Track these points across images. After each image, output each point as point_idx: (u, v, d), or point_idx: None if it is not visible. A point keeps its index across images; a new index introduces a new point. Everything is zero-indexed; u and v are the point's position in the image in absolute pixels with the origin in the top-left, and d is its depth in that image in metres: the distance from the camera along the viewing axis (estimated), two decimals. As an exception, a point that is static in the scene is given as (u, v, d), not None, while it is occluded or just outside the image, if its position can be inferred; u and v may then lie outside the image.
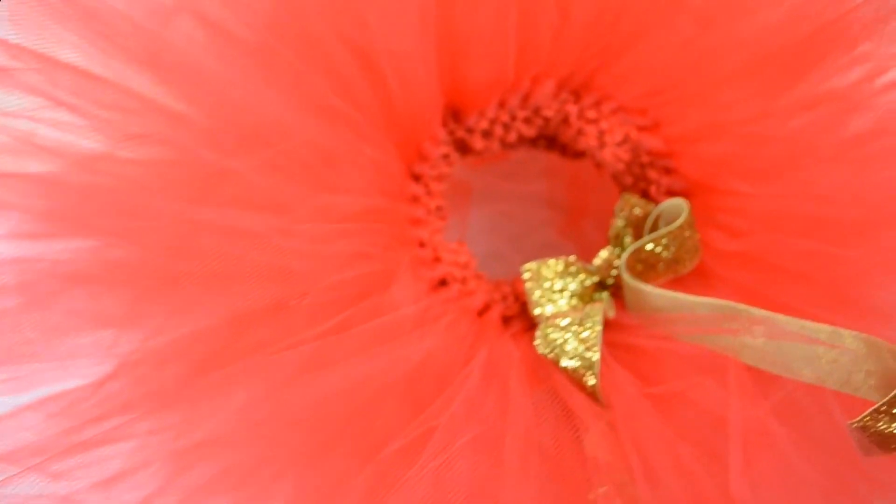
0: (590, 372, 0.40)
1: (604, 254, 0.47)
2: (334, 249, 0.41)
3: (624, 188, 0.51)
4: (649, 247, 0.44)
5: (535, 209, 0.62)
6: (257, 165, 0.41)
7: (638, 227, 0.47)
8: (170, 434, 0.38)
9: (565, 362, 0.40)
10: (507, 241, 0.62)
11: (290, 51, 0.43)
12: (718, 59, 0.46)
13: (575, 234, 0.61)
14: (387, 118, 0.46)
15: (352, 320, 0.41)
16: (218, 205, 0.39)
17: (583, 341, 0.40)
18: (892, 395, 0.37)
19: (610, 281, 0.46)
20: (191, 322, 0.40)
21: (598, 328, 0.40)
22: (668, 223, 0.46)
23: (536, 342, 0.41)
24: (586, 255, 0.55)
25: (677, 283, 0.46)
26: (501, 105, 0.50)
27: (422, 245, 0.48)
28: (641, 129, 0.49)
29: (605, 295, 0.45)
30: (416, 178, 0.49)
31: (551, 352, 0.41)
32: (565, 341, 0.40)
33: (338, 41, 0.43)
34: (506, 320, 0.47)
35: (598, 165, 0.51)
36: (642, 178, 0.50)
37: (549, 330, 0.41)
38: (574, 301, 0.45)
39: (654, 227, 0.47)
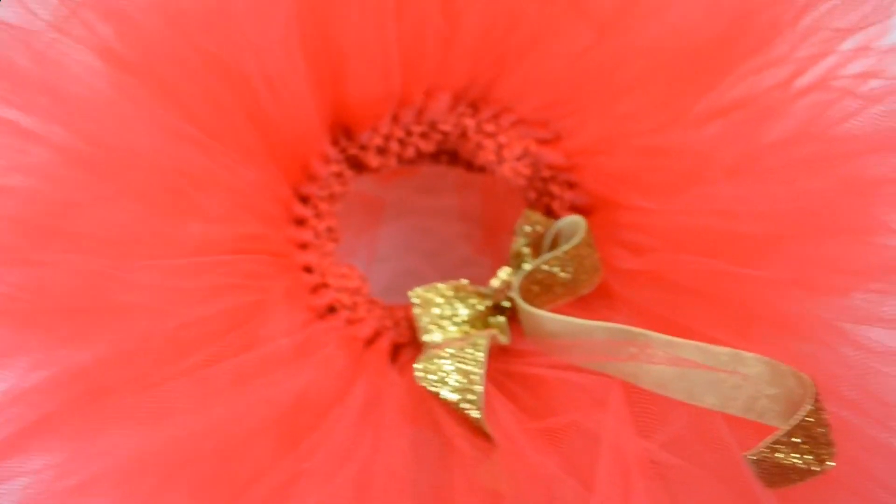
0: (472, 405, 0.37)
1: (502, 274, 0.45)
2: (196, 283, 0.38)
3: (529, 204, 0.49)
4: (546, 267, 0.41)
5: (451, 224, 0.60)
6: (116, 195, 0.38)
7: (538, 246, 0.44)
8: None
9: (446, 394, 0.38)
10: (423, 258, 0.59)
11: (160, 70, 0.40)
12: (618, 67, 0.44)
13: (493, 250, 0.58)
14: (266, 139, 0.43)
15: (220, 355, 0.38)
16: (66, 242, 0.37)
17: (465, 373, 0.37)
18: (789, 424, 0.35)
19: (508, 304, 0.44)
20: (59, 360, 0.38)
21: (482, 357, 0.38)
22: (568, 241, 0.43)
23: (417, 373, 0.38)
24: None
25: (578, 305, 0.43)
26: (395, 120, 0.47)
27: (309, 270, 0.45)
28: (542, 142, 0.47)
29: (500, 320, 0.43)
30: (304, 199, 0.46)
31: (432, 383, 0.38)
32: (447, 373, 0.38)
33: (209, 60, 0.41)
34: (397, 349, 0.44)
35: (509, 188, 0.48)
36: (545, 193, 0.47)
37: (431, 358, 0.39)
38: (466, 328, 0.42)
39: (554, 246, 0.44)
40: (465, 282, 0.43)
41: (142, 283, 0.37)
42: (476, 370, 0.37)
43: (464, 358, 0.38)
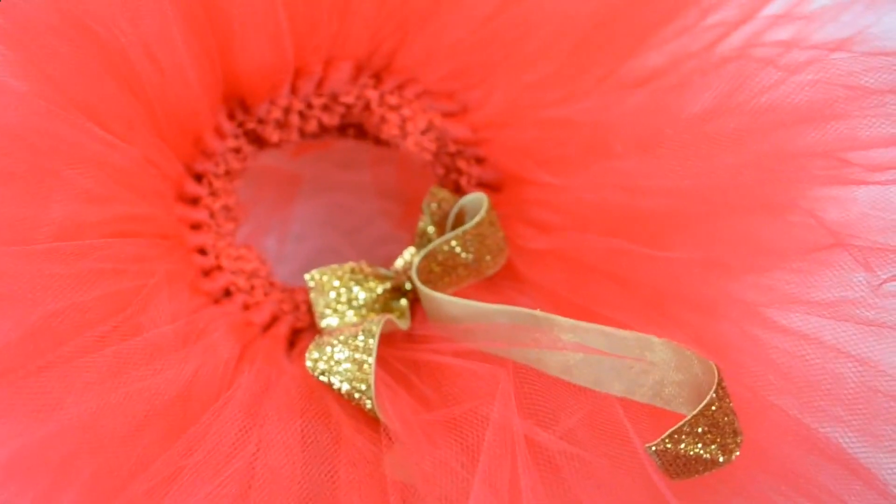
0: (364, 395, 0.35)
1: (407, 255, 0.42)
2: (67, 269, 0.36)
3: (437, 180, 0.46)
4: (446, 247, 0.39)
5: (369, 200, 0.57)
6: None
7: (441, 224, 0.42)
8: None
9: (337, 383, 0.36)
10: (342, 235, 0.57)
11: (26, 40, 0.38)
12: (524, 34, 0.42)
13: (412, 226, 0.56)
14: (151, 113, 0.40)
15: (96, 344, 0.35)
16: None
17: (357, 362, 0.35)
18: (693, 413, 0.33)
19: (407, 285, 0.42)
20: None
21: (373, 345, 0.36)
22: (472, 217, 0.41)
23: (308, 363, 0.36)
24: (420, 247, 0.51)
25: (484, 287, 0.41)
26: (294, 92, 0.45)
27: (203, 252, 0.42)
28: (447, 115, 0.44)
29: (402, 304, 0.41)
30: (199, 177, 0.44)
31: (323, 372, 0.36)
32: (338, 362, 0.36)
33: (80, 29, 0.38)
34: (296, 333, 0.42)
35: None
36: (453, 168, 0.45)
37: (323, 346, 0.37)
38: (364, 311, 0.40)
39: (458, 225, 0.42)
40: (362, 263, 0.41)
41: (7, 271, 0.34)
42: (367, 358, 0.35)
43: (356, 346, 0.36)
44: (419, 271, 0.39)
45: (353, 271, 0.40)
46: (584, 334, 0.36)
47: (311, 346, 0.37)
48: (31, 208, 0.36)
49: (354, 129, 0.48)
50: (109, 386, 0.34)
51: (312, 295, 0.40)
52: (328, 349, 0.36)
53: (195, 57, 0.40)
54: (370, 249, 0.57)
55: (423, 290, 0.38)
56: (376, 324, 0.37)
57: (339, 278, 0.40)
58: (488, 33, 0.42)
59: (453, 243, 0.39)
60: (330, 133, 0.47)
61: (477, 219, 0.39)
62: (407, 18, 0.43)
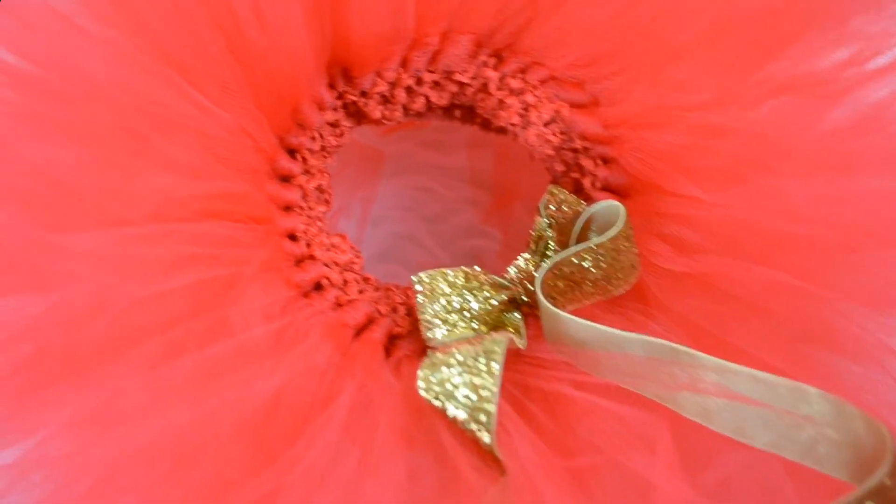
0: (483, 427, 0.31)
1: (521, 261, 0.38)
2: (154, 252, 0.31)
3: (554, 177, 0.42)
4: (575, 260, 0.35)
5: (457, 186, 0.53)
6: (57, 131, 0.31)
7: (565, 231, 0.38)
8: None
9: (453, 411, 0.31)
10: (423, 222, 0.53)
11: None
12: (676, 24, 0.37)
13: (503, 220, 0.51)
14: (250, 76, 0.36)
15: (181, 345, 0.31)
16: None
17: (475, 387, 0.31)
18: (867, 484, 0.29)
19: (523, 297, 0.37)
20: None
21: (497, 370, 0.31)
22: (602, 229, 0.37)
23: (419, 381, 0.32)
24: (516, 246, 0.46)
25: (607, 307, 0.37)
26: (404, 65, 0.40)
27: (293, 238, 0.38)
28: (576, 106, 0.39)
29: (516, 318, 0.36)
30: (292, 151, 0.39)
31: (437, 396, 0.31)
32: (455, 386, 0.31)
33: None
34: (392, 340, 0.37)
35: (531, 155, 0.41)
36: (575, 166, 0.40)
37: (437, 366, 0.32)
38: (476, 324, 0.35)
39: (584, 233, 0.37)
40: (476, 269, 0.36)
41: (82, 250, 0.29)
42: (489, 384, 0.31)
43: (475, 368, 0.31)
44: (542, 285, 0.35)
45: (467, 278, 0.35)
46: (730, 377, 0.31)
47: (423, 365, 0.32)
48: (119, 179, 0.31)
49: (462, 110, 0.43)
50: (198, 395, 0.29)
51: (420, 300, 0.35)
52: (444, 370, 0.32)
53: (306, 16, 0.35)
54: (452, 241, 0.52)
55: (548, 307, 0.34)
56: (498, 344, 0.32)
57: (451, 285, 0.35)
58: (634, 18, 0.37)
59: (584, 256, 0.35)
60: (434, 113, 0.42)
61: (613, 231, 0.35)
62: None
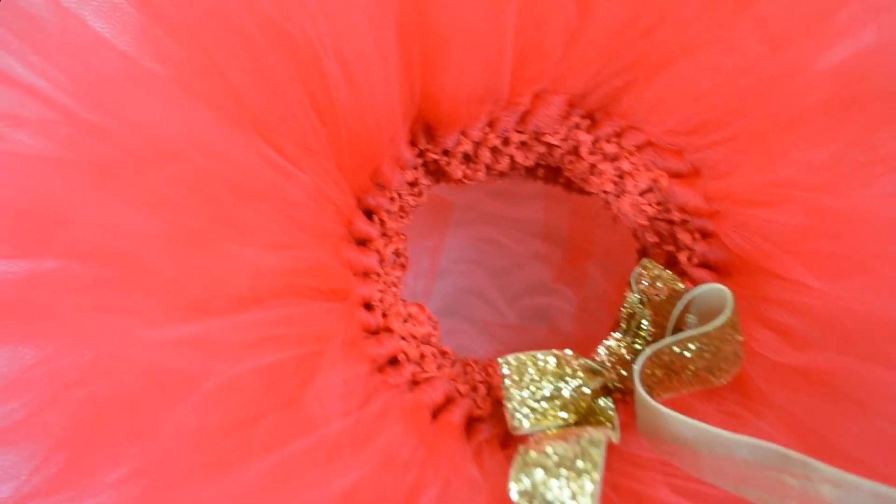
0: (581, 539, 0.28)
1: (612, 342, 0.35)
2: (239, 338, 0.29)
3: (644, 248, 0.39)
4: (677, 349, 0.32)
5: (527, 239, 0.50)
6: (133, 196, 0.29)
7: (659, 310, 0.35)
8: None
9: (550, 523, 0.28)
10: (489, 277, 0.50)
11: (204, 35, 0.31)
12: (789, 94, 0.34)
13: (575, 279, 0.48)
14: (333, 136, 0.33)
15: (257, 443, 0.29)
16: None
17: (574, 494, 0.28)
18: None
19: (616, 383, 0.34)
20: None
21: (598, 475, 0.28)
22: (702, 312, 0.34)
23: (511, 484, 0.29)
24: (590, 308, 0.44)
25: (707, 396, 0.34)
26: (491, 125, 0.37)
27: (368, 308, 0.35)
28: (675, 175, 0.37)
29: (608, 407, 0.33)
30: (370, 212, 0.37)
31: (531, 501, 0.29)
32: (550, 489, 0.28)
33: (269, 28, 0.31)
34: (472, 422, 0.35)
35: (615, 218, 0.39)
36: (670, 239, 0.38)
37: (530, 467, 0.29)
38: (566, 414, 0.32)
39: (682, 316, 0.34)
40: (569, 352, 0.33)
41: (159, 341, 0.27)
42: (591, 491, 0.28)
43: (573, 472, 0.29)
44: (641, 374, 0.32)
45: (559, 363, 0.33)
46: (849, 490, 0.28)
47: (514, 465, 0.29)
48: (198, 254, 0.29)
49: (546, 170, 0.41)
50: (274, 498, 0.27)
51: (507, 384, 0.32)
52: (537, 473, 0.29)
53: (396, 74, 0.33)
54: (519, 297, 0.50)
55: (648, 401, 0.31)
56: (597, 444, 0.29)
57: (541, 371, 0.33)
58: (742, 86, 0.34)
59: (685, 344, 0.32)
60: (517, 172, 0.40)
61: (721, 320, 0.32)
62: (647, 54, 0.35)
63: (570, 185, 0.41)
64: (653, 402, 0.31)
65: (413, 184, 0.38)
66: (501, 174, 0.39)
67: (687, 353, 0.32)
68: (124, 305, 0.28)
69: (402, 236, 0.37)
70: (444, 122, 0.36)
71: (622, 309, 0.36)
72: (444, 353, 0.36)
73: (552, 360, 0.33)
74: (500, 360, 0.33)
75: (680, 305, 0.34)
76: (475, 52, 0.33)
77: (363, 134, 0.34)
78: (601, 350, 0.35)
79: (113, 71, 0.31)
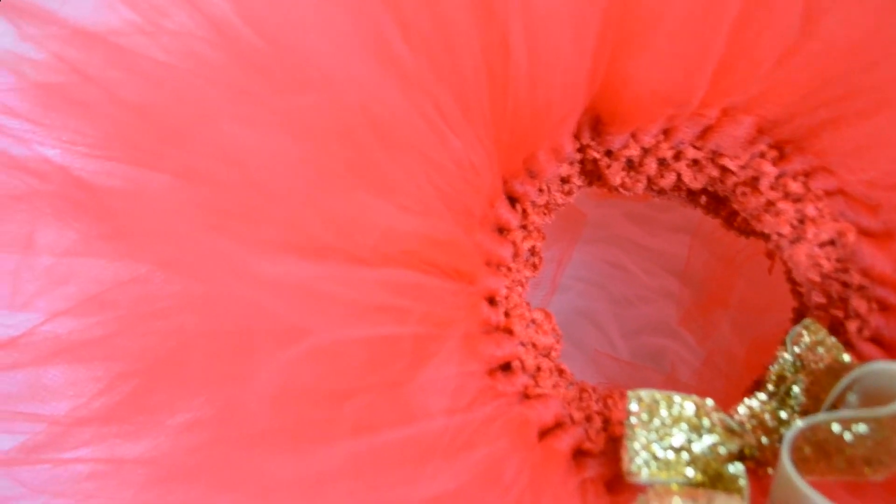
0: None
1: (755, 403, 0.31)
2: (351, 296, 0.25)
3: (804, 308, 0.34)
4: (836, 427, 0.27)
5: (657, 272, 0.46)
6: (272, 127, 0.26)
7: (818, 381, 0.30)
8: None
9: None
10: (609, 303, 0.46)
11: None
12: None
13: (702, 328, 0.44)
14: (497, 106, 0.30)
15: (348, 424, 0.25)
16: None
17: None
18: None
19: (754, 450, 0.30)
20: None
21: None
22: (867, 392, 0.29)
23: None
24: (714, 364, 0.39)
25: (853, 488, 0.29)
26: (667, 133, 0.33)
27: (492, 302, 0.32)
28: (865, 233, 0.32)
29: (739, 472, 0.29)
30: (513, 199, 0.33)
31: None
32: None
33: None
34: (578, 454, 0.31)
35: (786, 265, 0.34)
36: (840, 304, 0.33)
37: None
38: (692, 471, 0.28)
39: (842, 395, 0.30)
40: (710, 402, 0.29)
41: (268, 277, 0.24)
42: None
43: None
44: (791, 446, 0.27)
45: (697, 412, 0.28)
46: None
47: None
48: (330, 196, 0.25)
49: (709, 198, 0.36)
50: (356, 490, 0.23)
51: (633, 422, 0.28)
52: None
53: (583, 55, 0.29)
54: (636, 333, 0.45)
55: (794, 477, 0.27)
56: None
57: (675, 417, 0.28)
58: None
59: (852, 427, 0.27)
60: (678, 193, 0.36)
61: (893, 408, 0.27)
62: (857, 92, 0.31)
63: (730, 221, 0.37)
64: (801, 483, 0.27)
65: (565, 180, 0.34)
66: (661, 191, 0.35)
67: (848, 436, 0.28)
68: (237, 231, 0.24)
69: (541, 233, 0.34)
70: (617, 118, 0.32)
71: (770, 368, 0.31)
72: (561, 372, 0.32)
73: (690, 407, 0.28)
74: (629, 392, 0.28)
75: (846, 381, 0.29)
76: (677, 46, 0.29)
77: (529, 110, 0.30)
78: (741, 409, 0.30)
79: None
